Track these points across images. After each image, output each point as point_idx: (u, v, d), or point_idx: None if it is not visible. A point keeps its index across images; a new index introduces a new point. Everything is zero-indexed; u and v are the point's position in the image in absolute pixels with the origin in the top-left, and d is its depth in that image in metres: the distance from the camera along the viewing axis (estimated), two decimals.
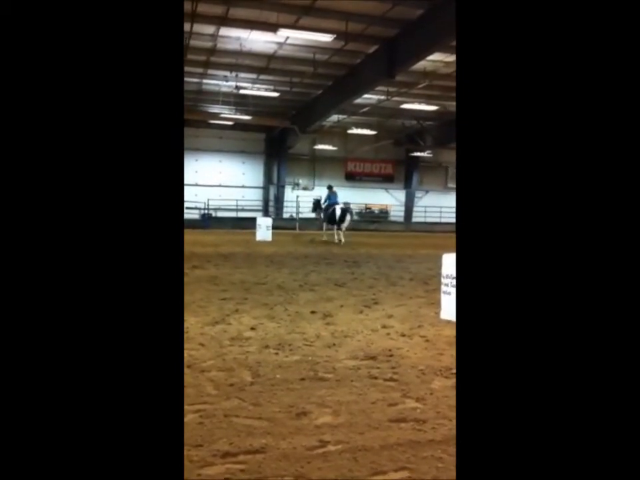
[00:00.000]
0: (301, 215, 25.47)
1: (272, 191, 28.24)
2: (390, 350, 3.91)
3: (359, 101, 19.57)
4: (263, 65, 17.51)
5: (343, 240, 15.38)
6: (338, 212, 15.63)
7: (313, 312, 5.28)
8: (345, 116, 22.96)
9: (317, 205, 18.65)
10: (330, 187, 17.12)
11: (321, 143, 26.72)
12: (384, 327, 4.70)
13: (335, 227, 15.74)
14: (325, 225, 16.63)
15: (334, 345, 4.04)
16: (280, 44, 15.46)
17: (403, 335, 4.40)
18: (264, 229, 16.11)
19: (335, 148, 27.17)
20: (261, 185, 28.11)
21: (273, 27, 13.15)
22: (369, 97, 19.83)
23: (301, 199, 25.96)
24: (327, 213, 16.11)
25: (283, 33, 13.56)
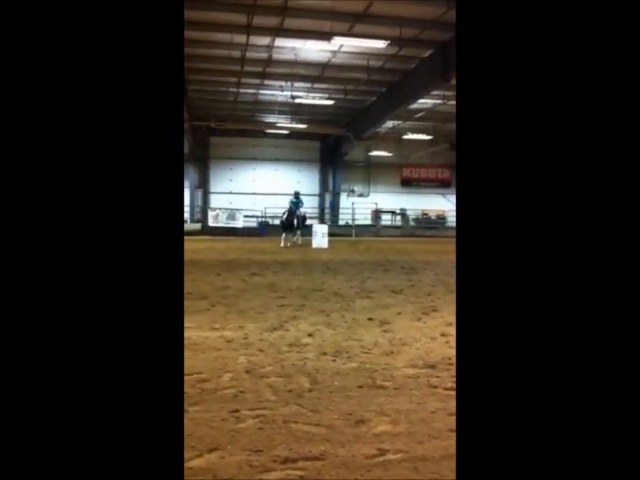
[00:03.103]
0: (356, 222, 25.44)
1: (327, 198, 28.36)
2: (450, 358, 3.83)
3: (413, 106, 19.38)
4: (318, 73, 17.66)
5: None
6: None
7: (370, 319, 5.25)
8: (399, 121, 22.80)
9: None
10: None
11: (376, 149, 26.61)
12: (443, 334, 4.62)
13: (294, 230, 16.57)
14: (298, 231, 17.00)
15: (392, 352, 4.00)
16: (334, 52, 15.56)
17: None
18: (320, 236, 16.19)
19: (390, 154, 26.99)
20: (317, 192, 28.28)
21: (326, 36, 13.25)
22: (424, 102, 19.60)
23: (356, 206, 25.94)
24: (299, 218, 16.62)
25: (337, 41, 13.63)
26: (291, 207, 16.30)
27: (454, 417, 2.74)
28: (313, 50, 15.37)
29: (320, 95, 19.83)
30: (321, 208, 28.27)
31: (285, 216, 16.39)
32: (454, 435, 2.52)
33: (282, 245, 15.79)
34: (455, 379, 3.36)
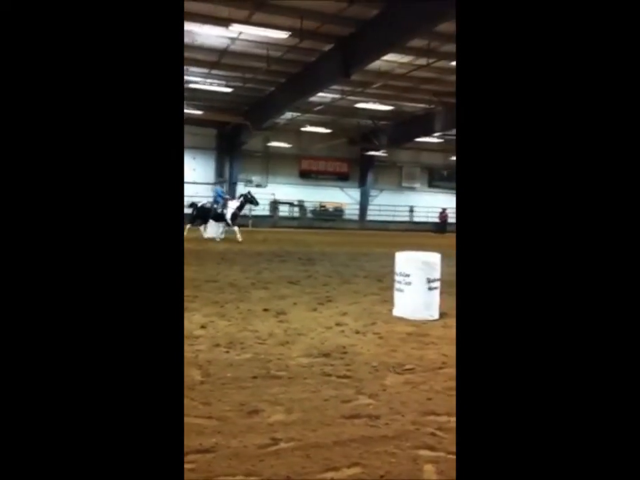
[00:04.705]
0: (254, 213, 25.27)
1: (224, 188, 27.85)
2: (344, 347, 3.90)
3: (313, 99, 19.53)
4: (215, 59, 17.23)
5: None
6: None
7: (265, 310, 5.22)
8: (298, 113, 22.88)
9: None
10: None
11: (275, 140, 26.54)
12: (338, 324, 4.69)
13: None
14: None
15: (287, 342, 4.00)
16: (233, 39, 15.24)
17: (357, 332, 4.40)
18: (215, 226, 15.82)
19: (289, 145, 27.05)
20: (213, 181, 27.66)
21: (225, 22, 12.94)
22: (324, 96, 19.81)
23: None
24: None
25: (236, 28, 13.36)
26: (247, 194, 15.13)
27: (347, 404, 2.79)
28: (210, 35, 14.93)
29: (217, 81, 19.36)
30: None
31: (235, 207, 14.97)
32: (346, 421, 2.57)
33: (221, 238, 14.98)
34: (348, 367, 3.43)
